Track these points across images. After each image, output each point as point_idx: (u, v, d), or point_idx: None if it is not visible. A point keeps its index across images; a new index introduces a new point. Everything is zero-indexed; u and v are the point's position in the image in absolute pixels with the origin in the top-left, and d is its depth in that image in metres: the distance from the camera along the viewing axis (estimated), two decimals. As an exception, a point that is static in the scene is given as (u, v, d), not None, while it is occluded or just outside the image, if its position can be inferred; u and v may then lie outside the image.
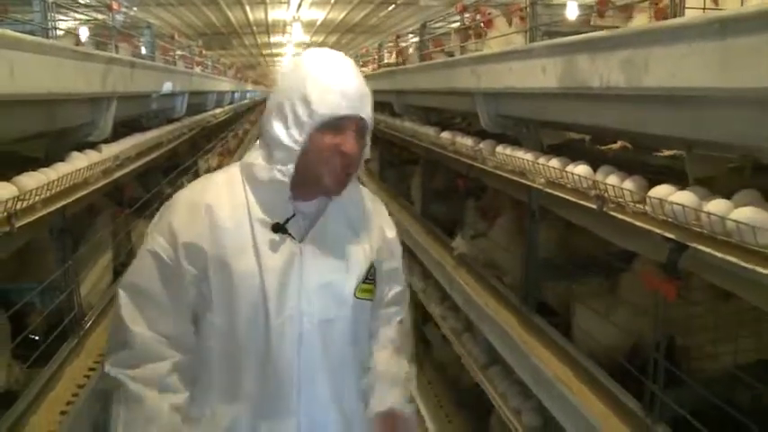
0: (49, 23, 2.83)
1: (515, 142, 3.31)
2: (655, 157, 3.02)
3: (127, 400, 1.68)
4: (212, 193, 1.76)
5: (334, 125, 1.67)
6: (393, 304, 2.04)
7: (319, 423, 1.80)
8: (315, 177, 1.72)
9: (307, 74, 1.70)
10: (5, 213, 1.97)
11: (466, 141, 3.77)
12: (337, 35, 22.01)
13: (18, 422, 2.45)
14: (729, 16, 1.50)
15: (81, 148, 3.15)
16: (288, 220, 1.74)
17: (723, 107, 1.70)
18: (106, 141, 3.49)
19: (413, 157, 6.43)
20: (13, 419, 2.42)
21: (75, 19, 4.52)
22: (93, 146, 3.29)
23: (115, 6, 4.41)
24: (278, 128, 1.70)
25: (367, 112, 1.72)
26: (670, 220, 1.88)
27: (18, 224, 2.04)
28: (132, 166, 3.85)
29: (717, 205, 1.72)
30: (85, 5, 4.83)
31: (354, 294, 1.82)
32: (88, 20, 4.67)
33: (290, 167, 1.69)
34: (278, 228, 1.73)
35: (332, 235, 1.81)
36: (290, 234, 1.74)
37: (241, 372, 1.75)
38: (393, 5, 15.82)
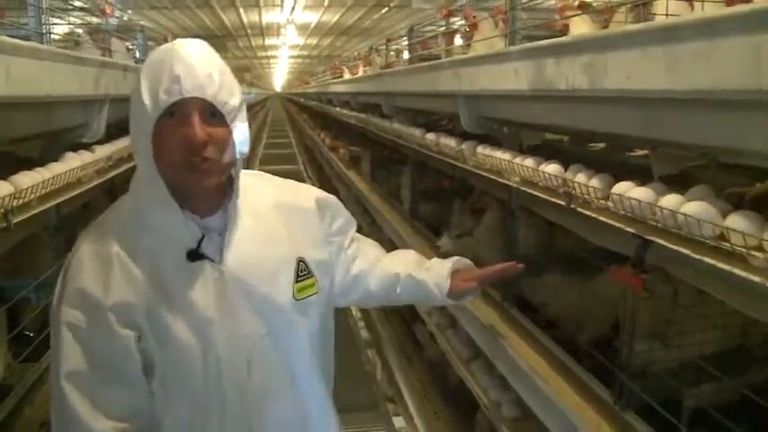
0: (44, 28, 2.93)
1: (497, 143, 3.43)
2: (629, 157, 3.14)
3: None
4: (115, 241, 1.55)
5: (174, 113, 1.48)
6: (358, 240, 2.02)
7: None
8: (174, 180, 1.54)
9: (143, 69, 1.53)
10: (2, 210, 2.06)
11: (449, 142, 3.89)
12: (331, 38, 22.15)
13: (14, 412, 2.55)
14: (672, 24, 1.61)
15: (75, 148, 3.26)
16: (200, 243, 1.57)
17: (675, 108, 1.81)
18: (99, 143, 3.60)
19: (402, 158, 6.54)
20: (8, 409, 2.52)
21: (70, 23, 4.63)
22: (87, 147, 3.40)
23: (108, 10, 4.51)
24: (133, 139, 1.58)
25: (210, 91, 1.48)
26: (629, 214, 2.00)
27: (14, 220, 2.14)
28: (125, 167, 3.95)
29: (669, 200, 1.83)
30: (80, 9, 4.94)
31: (294, 297, 1.68)
32: (82, 24, 4.79)
33: (159, 182, 1.53)
34: (194, 255, 1.57)
35: (248, 243, 1.64)
36: (207, 257, 1.58)
37: (205, 417, 1.60)
38: (386, 8, 15.95)
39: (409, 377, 5.82)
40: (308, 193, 1.87)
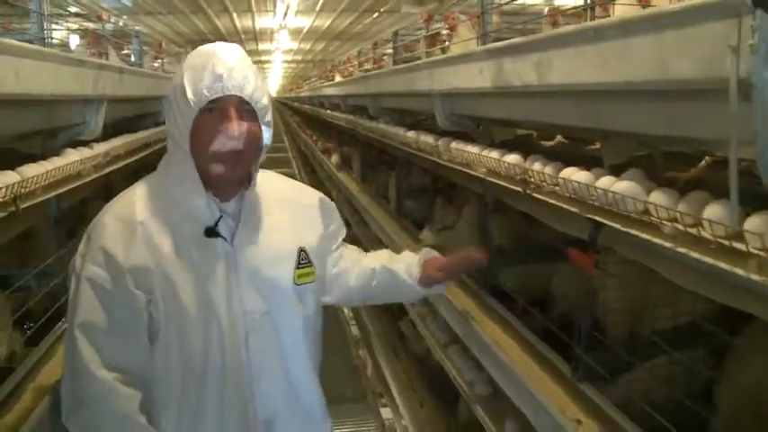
0: (45, 33, 3.15)
1: (472, 140, 3.65)
2: (588, 149, 3.36)
3: None
4: (140, 209, 1.74)
5: (213, 109, 1.68)
6: (346, 246, 2.17)
7: (277, 418, 1.84)
8: (207, 167, 1.72)
9: (185, 67, 1.72)
10: (12, 195, 2.26)
11: (427, 139, 4.11)
12: (324, 42, 22.29)
13: (18, 387, 2.73)
14: (600, 25, 1.85)
15: (74, 145, 3.47)
16: (217, 223, 1.75)
17: (611, 100, 2.04)
18: (97, 141, 3.82)
19: (390, 158, 6.72)
20: (13, 384, 2.70)
21: (69, 29, 4.85)
22: (86, 144, 3.61)
23: (104, 17, 4.73)
24: (171, 126, 1.75)
25: (247, 90, 1.69)
26: (573, 196, 2.22)
27: (22, 206, 2.35)
28: (121, 164, 4.17)
29: (603, 181, 2.06)
30: (78, 15, 5.16)
31: (294, 282, 1.86)
32: (81, 29, 5.00)
33: (190, 162, 1.72)
34: (211, 232, 1.74)
35: (258, 229, 1.83)
36: (222, 236, 1.76)
37: (201, 384, 1.75)
38: (376, 13, 16.13)
39: (395, 370, 6.01)
40: (312, 193, 2.09)
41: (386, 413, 6.02)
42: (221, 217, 1.76)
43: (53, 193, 2.82)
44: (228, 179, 1.75)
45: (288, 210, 1.95)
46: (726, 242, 1.55)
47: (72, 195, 3.40)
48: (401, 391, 5.64)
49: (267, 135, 1.79)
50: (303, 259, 1.89)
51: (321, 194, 2.11)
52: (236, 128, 1.67)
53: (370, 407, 6.26)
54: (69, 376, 1.72)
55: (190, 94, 1.66)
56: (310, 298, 1.93)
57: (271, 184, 1.95)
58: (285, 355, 1.84)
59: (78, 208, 4.07)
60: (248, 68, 1.72)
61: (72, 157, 3.18)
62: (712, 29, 1.39)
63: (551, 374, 2.85)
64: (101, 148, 3.72)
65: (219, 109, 1.68)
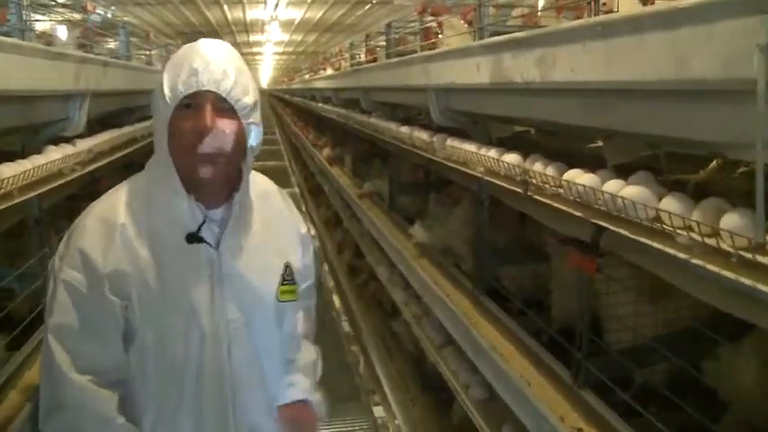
0: (25, 24, 3.03)
1: (468, 136, 3.55)
2: (591, 148, 3.26)
3: None
4: (123, 212, 1.67)
5: (189, 106, 1.59)
6: (303, 297, 1.96)
7: (258, 429, 1.80)
8: (185, 168, 1.63)
9: (167, 64, 1.66)
10: (-14, 197, 2.17)
11: (422, 135, 4.00)
12: (316, 34, 22.18)
13: (-1, 392, 2.65)
14: (608, 20, 1.74)
15: (56, 142, 3.36)
16: (200, 228, 1.67)
17: (619, 99, 1.94)
18: (82, 136, 3.71)
19: (382, 152, 6.64)
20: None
21: (52, 19, 4.72)
22: (69, 140, 3.50)
23: (90, 8, 4.60)
24: (154, 127, 1.67)
25: (224, 86, 1.59)
26: (578, 200, 2.12)
27: (-1, 207, 2.25)
28: (106, 160, 4.05)
29: (611, 185, 1.95)
30: (63, 5, 5.03)
31: (277, 298, 1.79)
32: (65, 20, 4.87)
33: (171, 167, 1.63)
34: (192, 238, 1.66)
35: (245, 238, 1.76)
36: (205, 242, 1.68)
37: (178, 391, 1.70)
38: (369, 5, 16.03)
39: (388, 368, 5.94)
40: (299, 218, 1.99)
41: (378, 412, 5.94)
42: (204, 222, 1.68)
43: (31, 194, 2.71)
44: (208, 181, 1.65)
45: (279, 224, 1.87)
46: (748, 255, 1.44)
47: (55, 194, 3.30)
48: (393, 389, 5.56)
49: (254, 135, 1.67)
50: (288, 276, 1.82)
51: (306, 227, 2.02)
52: (209, 122, 1.57)
53: (363, 406, 6.18)
54: (45, 380, 1.66)
55: (166, 90, 1.59)
56: (290, 316, 1.88)
57: (270, 198, 1.89)
58: (264, 369, 1.80)
59: (64, 205, 3.97)
60: (229, 63, 1.62)
61: (53, 154, 3.07)
62: (736, 26, 1.29)
63: (551, 380, 2.77)
64: (84, 144, 3.61)
65: (195, 106, 1.58)
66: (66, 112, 3.37)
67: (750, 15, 1.25)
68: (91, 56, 3.87)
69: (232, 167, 1.68)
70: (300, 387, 1.90)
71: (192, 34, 20.47)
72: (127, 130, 4.87)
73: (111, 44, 6.08)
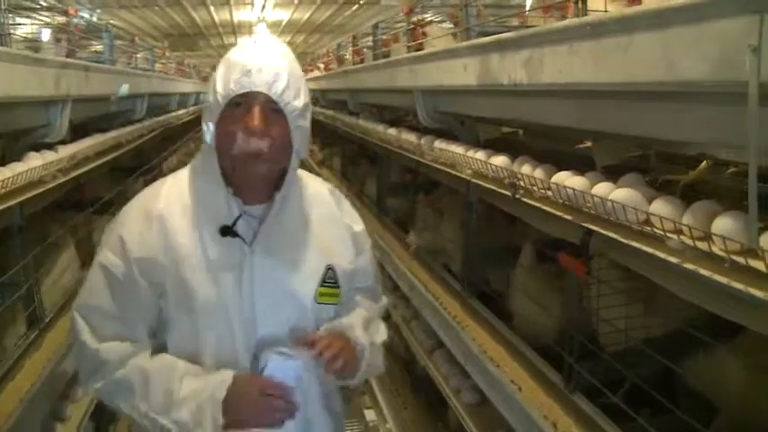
0: (2, 28, 2.97)
1: (456, 138, 3.51)
2: (579, 149, 3.22)
3: (131, 384, 1.66)
4: (163, 202, 1.72)
5: (239, 104, 1.62)
6: (359, 294, 1.96)
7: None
8: (229, 164, 1.67)
9: (222, 61, 1.69)
10: (-40, 208, 2.12)
11: (409, 137, 3.97)
12: (304, 35, 22.12)
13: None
14: (597, 20, 1.70)
15: (38, 148, 3.31)
16: (235, 222, 1.69)
17: (608, 101, 1.90)
18: (64, 142, 3.65)
19: (371, 154, 6.61)
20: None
21: (33, 23, 4.66)
22: (50, 147, 3.45)
23: (72, 11, 4.54)
24: (203, 121, 1.70)
25: (275, 89, 1.61)
26: (567, 203, 2.08)
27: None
28: (90, 166, 4.00)
29: (600, 188, 1.92)
30: (47, 8, 4.97)
31: (315, 299, 1.76)
32: (47, 24, 4.81)
33: (213, 157, 1.68)
34: (226, 231, 1.68)
35: (284, 237, 1.75)
36: (240, 237, 1.69)
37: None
38: (356, 6, 16.00)
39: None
40: (357, 217, 1.98)
41: (369, 415, 5.90)
42: (240, 216, 1.70)
43: (11, 203, 2.66)
44: (250, 180, 1.70)
45: (326, 225, 1.86)
46: (741, 259, 1.41)
47: (37, 201, 3.25)
48: (385, 392, 5.52)
49: (300, 139, 1.70)
50: (329, 278, 1.80)
51: (363, 225, 1.98)
52: (257, 123, 1.61)
53: (354, 409, 6.14)
54: (76, 352, 1.76)
55: (219, 87, 1.63)
56: (328, 319, 1.82)
57: (320, 199, 1.89)
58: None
59: (48, 215, 3.92)
60: (282, 66, 1.64)
61: (34, 162, 3.02)
62: (728, 26, 1.26)
63: (543, 384, 2.73)
64: (67, 150, 3.55)
65: (246, 105, 1.62)
66: (47, 118, 3.32)
67: (742, 15, 1.22)
68: (72, 61, 3.81)
69: (276, 168, 1.71)
70: (335, 324, 1.80)
71: (178, 37, 20.37)
72: (112, 134, 4.81)
73: (98, 47, 6.02)
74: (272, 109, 1.62)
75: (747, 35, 1.19)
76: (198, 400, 1.59)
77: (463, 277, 3.69)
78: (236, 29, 20.46)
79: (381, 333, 1.96)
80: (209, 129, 1.67)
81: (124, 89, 4.90)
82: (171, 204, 1.72)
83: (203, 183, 1.73)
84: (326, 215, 1.86)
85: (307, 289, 1.76)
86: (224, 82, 1.62)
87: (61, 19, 4.86)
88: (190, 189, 1.74)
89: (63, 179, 3.38)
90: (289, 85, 1.62)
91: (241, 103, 1.61)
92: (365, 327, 1.87)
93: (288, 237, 1.76)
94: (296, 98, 1.64)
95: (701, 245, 1.54)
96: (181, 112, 9.79)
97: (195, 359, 1.69)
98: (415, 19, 4.34)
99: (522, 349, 2.97)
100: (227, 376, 1.62)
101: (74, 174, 3.62)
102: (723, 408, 2.35)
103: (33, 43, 4.46)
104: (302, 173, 1.88)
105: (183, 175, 1.80)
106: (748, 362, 2.30)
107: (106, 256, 1.70)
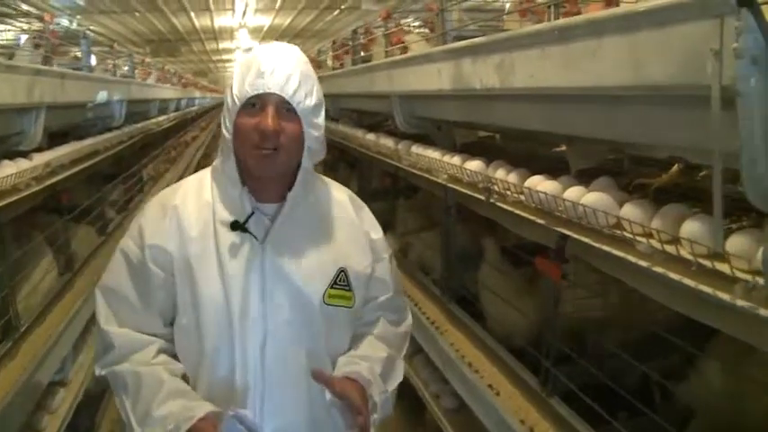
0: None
1: (434, 143, 3.51)
2: (554, 152, 3.23)
3: (126, 384, 1.70)
4: (180, 195, 1.79)
5: (253, 104, 1.67)
6: (380, 309, 1.92)
7: (284, 429, 1.75)
8: (245, 162, 1.71)
9: (237, 65, 1.74)
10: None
11: (387, 142, 3.96)
12: (285, 40, 21.98)
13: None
14: (566, 24, 1.71)
15: (12, 156, 3.27)
16: (248, 219, 1.72)
17: (578, 105, 1.91)
18: (40, 150, 3.62)
19: (353, 160, 6.59)
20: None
21: (9, 29, 4.62)
22: (25, 155, 3.41)
23: (47, 18, 4.50)
24: (222, 122, 1.75)
25: (288, 90, 1.65)
26: (539, 207, 2.09)
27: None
28: (65, 174, 3.96)
29: (572, 192, 1.92)
30: (23, 14, 4.93)
31: (323, 300, 1.75)
32: (22, 30, 4.77)
33: (230, 157, 1.72)
34: (236, 226, 1.71)
35: (295, 236, 1.76)
36: (251, 233, 1.72)
37: (209, 375, 1.73)
38: (337, 11, 16.00)
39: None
40: (377, 224, 1.96)
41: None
42: (253, 213, 1.73)
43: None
44: (263, 177, 1.74)
45: (343, 228, 1.84)
46: (707, 263, 1.41)
47: (13, 208, 3.21)
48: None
49: (312, 137, 1.72)
50: (341, 281, 1.80)
51: (382, 234, 1.96)
52: (271, 124, 1.65)
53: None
54: (96, 330, 1.81)
55: (235, 89, 1.69)
56: (342, 324, 1.81)
57: (337, 200, 1.89)
58: (301, 368, 1.74)
59: (24, 223, 3.88)
60: (295, 68, 1.69)
61: (7, 170, 2.99)
62: (692, 30, 1.26)
63: (520, 388, 2.74)
64: (42, 158, 3.52)
65: (260, 106, 1.67)
66: (20, 125, 3.29)
67: (704, 20, 1.22)
68: (45, 68, 3.78)
69: (289, 166, 1.74)
70: (356, 368, 1.75)
71: (160, 42, 20.29)
72: (89, 142, 4.78)
73: (78, 54, 5.98)
74: (286, 109, 1.67)
75: (709, 39, 1.20)
76: (165, 426, 1.62)
77: (443, 282, 3.69)
78: (217, 34, 20.41)
79: (398, 375, 1.91)
80: (226, 129, 1.72)
81: (101, 96, 4.87)
82: (187, 199, 1.78)
83: (221, 179, 1.78)
84: (344, 219, 1.86)
85: (315, 289, 1.75)
86: (239, 84, 1.68)
87: (37, 26, 4.82)
88: (208, 186, 1.80)
89: (37, 187, 3.35)
90: (300, 85, 1.67)
91: (256, 104, 1.66)
92: (385, 372, 1.81)
93: (300, 236, 1.78)
94: (308, 97, 1.68)
95: (670, 248, 1.54)
96: (161, 118, 9.73)
97: (197, 353, 1.73)
98: (392, 24, 4.35)
99: (500, 353, 2.98)
100: (195, 413, 1.62)
101: (49, 182, 3.58)
102: (699, 409, 2.36)
103: (8, 50, 4.42)
104: (325, 179, 1.94)
105: (201, 176, 1.86)
106: (725, 364, 2.32)
107: (126, 242, 1.79)
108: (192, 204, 1.77)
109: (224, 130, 1.73)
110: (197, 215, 1.75)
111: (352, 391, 1.65)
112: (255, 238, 1.72)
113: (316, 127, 1.72)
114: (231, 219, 1.72)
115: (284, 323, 1.72)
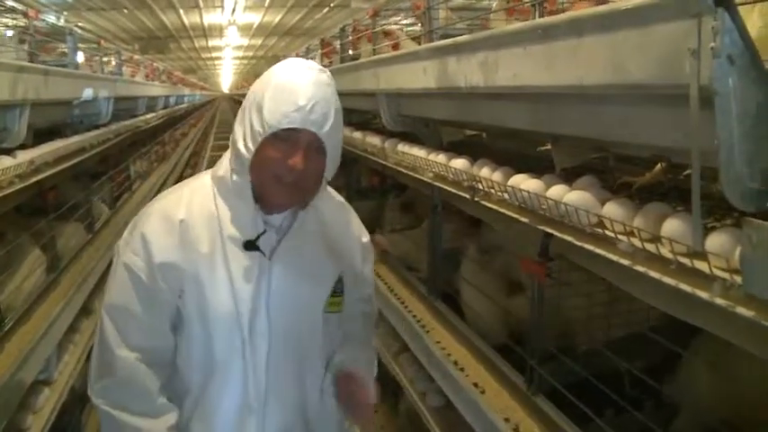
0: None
1: (421, 141, 3.51)
2: (541, 151, 3.23)
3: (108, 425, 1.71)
4: (185, 207, 1.74)
5: (285, 137, 1.62)
6: (360, 303, 2.01)
7: (284, 429, 1.81)
8: (263, 190, 1.70)
9: (268, 83, 1.66)
10: None
11: (373, 140, 3.96)
12: (275, 38, 22.09)
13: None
14: (548, 23, 1.71)
15: (-4, 153, 3.26)
16: (259, 237, 1.71)
17: (561, 103, 1.91)
18: (24, 147, 3.60)
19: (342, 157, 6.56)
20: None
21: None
22: (8, 152, 3.40)
23: (31, 14, 4.47)
24: (238, 135, 1.69)
25: (324, 129, 1.62)
26: (523, 205, 2.09)
27: None
28: (50, 171, 3.94)
29: (555, 191, 1.92)
30: (8, 10, 4.89)
31: (325, 308, 1.81)
32: (7, 26, 4.74)
33: (246, 177, 1.68)
34: (249, 246, 1.71)
35: (303, 250, 1.78)
36: (260, 251, 1.72)
37: (220, 384, 1.75)
38: (326, 8, 16.00)
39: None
40: (362, 228, 2.01)
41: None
42: (264, 231, 1.73)
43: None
44: (282, 206, 1.74)
45: (342, 236, 1.91)
46: (687, 261, 1.42)
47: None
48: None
49: (332, 169, 1.73)
50: (338, 288, 1.85)
51: (368, 236, 2.03)
52: (301, 165, 1.63)
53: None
54: (96, 351, 1.77)
55: (266, 115, 1.61)
56: (333, 326, 1.89)
57: (325, 203, 1.90)
58: (299, 374, 1.82)
59: (11, 220, 3.87)
60: (330, 104, 1.65)
61: (-12, 167, 2.97)
62: (670, 30, 1.26)
63: (506, 387, 2.74)
64: (26, 155, 3.50)
65: (292, 140, 1.63)
66: (3, 122, 3.27)
67: (682, 19, 1.22)
68: (29, 65, 3.76)
69: (307, 195, 1.74)
70: (358, 364, 1.91)
71: (149, 40, 20.23)
72: (75, 139, 4.75)
73: (65, 49, 5.95)
74: (315, 146, 1.64)
75: (687, 39, 1.20)
76: None
77: (429, 280, 3.69)
78: (206, 32, 20.38)
79: (374, 369, 2.05)
80: (246, 147, 1.66)
81: (87, 93, 4.84)
82: (193, 213, 1.73)
83: (232, 196, 1.73)
84: (342, 225, 1.92)
85: (318, 300, 1.81)
86: (272, 110, 1.61)
87: (23, 22, 4.80)
88: (211, 197, 1.76)
89: (21, 185, 3.33)
90: (335, 123, 1.65)
91: (288, 138, 1.62)
92: (370, 371, 1.97)
93: (306, 250, 1.79)
94: (337, 133, 1.68)
95: (650, 247, 1.55)
96: (150, 115, 9.70)
97: (207, 363, 1.74)
98: (380, 22, 4.34)
99: (485, 351, 2.98)
100: None
101: (33, 179, 3.56)
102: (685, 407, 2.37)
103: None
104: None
105: (201, 184, 1.81)
106: (710, 361, 2.32)
107: (130, 256, 1.73)
108: (198, 218, 1.73)
109: (242, 148, 1.66)
110: (205, 230, 1.72)
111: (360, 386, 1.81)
112: (264, 254, 1.73)
113: (335, 159, 1.72)
114: (240, 236, 1.71)
115: (288, 334, 1.76)
